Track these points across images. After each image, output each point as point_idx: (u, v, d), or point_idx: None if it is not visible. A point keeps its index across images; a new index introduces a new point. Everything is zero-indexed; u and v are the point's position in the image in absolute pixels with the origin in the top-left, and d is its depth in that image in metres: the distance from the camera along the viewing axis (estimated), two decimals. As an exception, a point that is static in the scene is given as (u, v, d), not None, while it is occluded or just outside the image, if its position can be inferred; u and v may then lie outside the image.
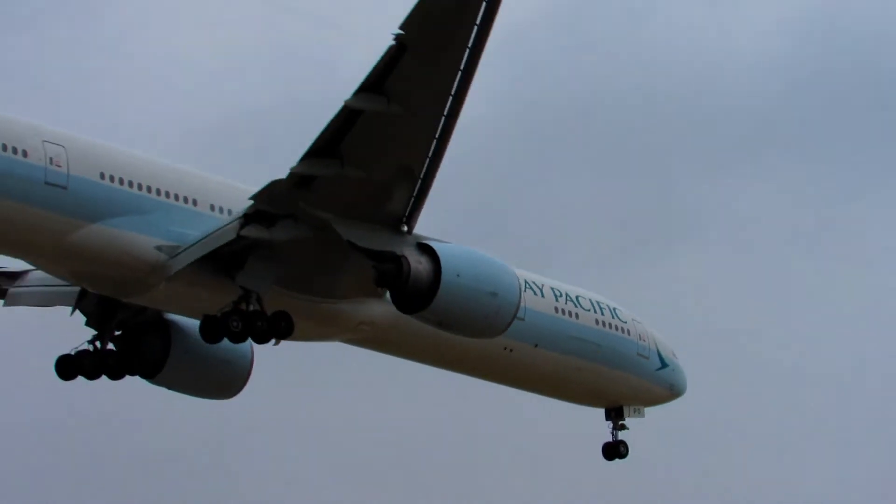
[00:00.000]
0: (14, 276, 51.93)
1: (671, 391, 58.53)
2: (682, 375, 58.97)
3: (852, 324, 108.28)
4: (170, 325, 51.56)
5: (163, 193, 46.41)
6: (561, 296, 54.40)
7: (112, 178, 45.41)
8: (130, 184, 45.74)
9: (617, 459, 57.93)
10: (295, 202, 44.69)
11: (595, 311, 55.39)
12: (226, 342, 48.73)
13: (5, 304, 51.92)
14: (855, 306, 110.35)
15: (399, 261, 45.47)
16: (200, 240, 45.40)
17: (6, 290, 51.95)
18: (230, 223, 45.06)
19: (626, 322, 56.35)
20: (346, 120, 42.39)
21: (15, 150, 43.89)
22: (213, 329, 46.28)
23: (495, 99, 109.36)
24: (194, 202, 46.91)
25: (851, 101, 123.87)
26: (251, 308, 46.11)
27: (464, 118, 42.66)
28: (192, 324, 50.30)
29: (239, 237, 44.77)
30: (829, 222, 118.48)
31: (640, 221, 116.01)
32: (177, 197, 46.66)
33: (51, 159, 44.29)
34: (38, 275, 50.88)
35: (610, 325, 55.87)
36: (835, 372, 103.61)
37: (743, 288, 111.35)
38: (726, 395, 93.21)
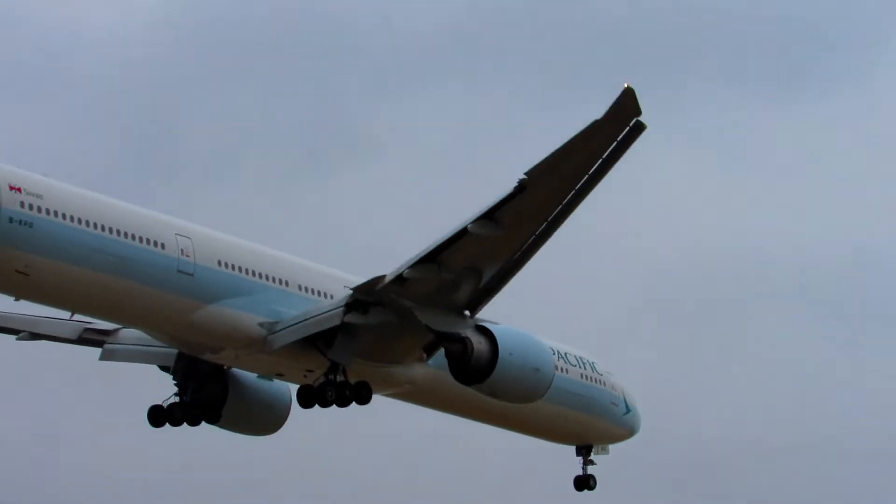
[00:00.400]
0: (105, 333, 59.35)
1: (631, 431, 68.88)
2: (639, 417, 69.43)
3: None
4: (227, 375, 59.78)
5: (262, 276, 54.74)
6: (555, 355, 64.25)
7: (226, 265, 53.61)
8: (239, 269, 54.05)
9: (586, 490, 68.10)
10: (388, 293, 53.57)
11: (580, 367, 65.13)
12: (271, 385, 57.92)
13: (101, 359, 59.48)
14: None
15: (464, 341, 54.83)
16: (302, 321, 53.97)
17: (99, 342, 59.47)
18: (333, 310, 53.77)
19: (602, 375, 66.21)
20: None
21: (155, 244, 51.85)
22: (310, 397, 55.08)
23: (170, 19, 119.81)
24: (286, 283, 55.36)
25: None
26: (339, 379, 54.94)
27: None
28: (244, 373, 59.01)
29: (343, 323, 53.56)
30: (491, 142, 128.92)
31: (314, 139, 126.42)
32: (273, 279, 55.07)
33: (182, 250, 52.34)
34: (132, 333, 58.52)
35: (591, 378, 65.61)
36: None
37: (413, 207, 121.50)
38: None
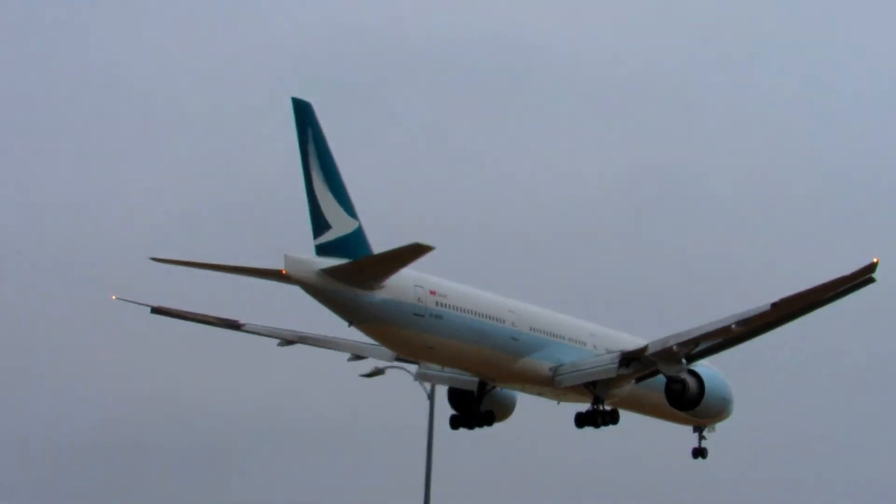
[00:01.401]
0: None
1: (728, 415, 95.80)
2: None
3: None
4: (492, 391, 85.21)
5: (549, 335, 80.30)
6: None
7: (533, 329, 79.04)
8: (539, 331, 79.46)
9: (700, 458, 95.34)
10: (647, 355, 79.62)
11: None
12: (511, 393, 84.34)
13: (416, 379, 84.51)
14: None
15: (683, 382, 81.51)
16: (585, 370, 79.75)
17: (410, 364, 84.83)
18: (609, 364, 79.40)
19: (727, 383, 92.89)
20: None
21: (498, 319, 76.99)
22: (584, 420, 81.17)
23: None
24: (562, 337, 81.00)
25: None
26: (604, 408, 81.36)
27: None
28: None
29: (617, 375, 79.60)
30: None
31: None
32: (555, 335, 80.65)
33: (512, 323, 77.68)
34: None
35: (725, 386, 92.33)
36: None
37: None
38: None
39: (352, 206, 71.51)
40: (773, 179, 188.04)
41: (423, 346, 74.33)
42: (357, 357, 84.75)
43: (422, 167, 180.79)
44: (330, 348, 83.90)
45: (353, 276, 70.00)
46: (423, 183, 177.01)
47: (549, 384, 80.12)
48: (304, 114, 70.29)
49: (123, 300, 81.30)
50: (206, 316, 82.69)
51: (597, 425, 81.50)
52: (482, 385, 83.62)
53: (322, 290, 70.08)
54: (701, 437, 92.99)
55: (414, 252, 66.60)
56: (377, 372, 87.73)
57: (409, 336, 73.04)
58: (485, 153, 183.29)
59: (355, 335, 77.70)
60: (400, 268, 69.77)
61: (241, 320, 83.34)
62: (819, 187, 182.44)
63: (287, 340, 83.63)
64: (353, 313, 71.45)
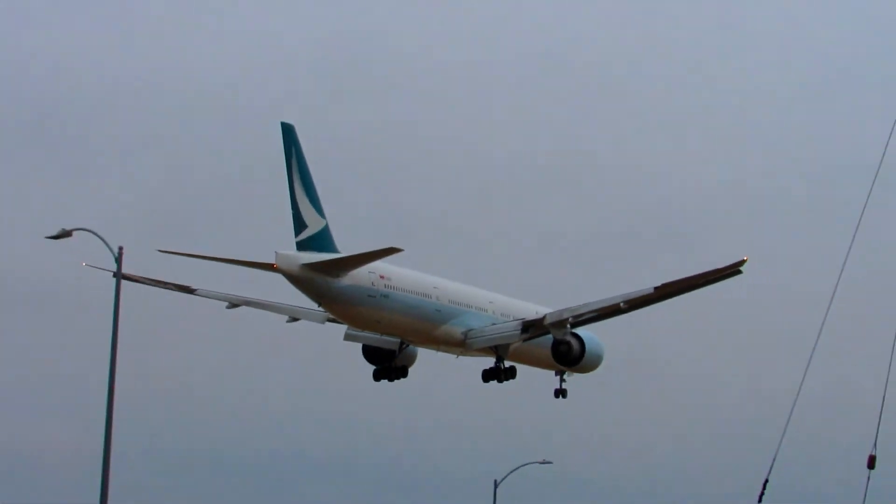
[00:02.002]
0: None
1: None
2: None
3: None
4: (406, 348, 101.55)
5: (462, 305, 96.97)
6: None
7: (451, 301, 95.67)
8: (454, 302, 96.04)
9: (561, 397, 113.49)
10: (544, 324, 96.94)
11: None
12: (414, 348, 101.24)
13: (345, 339, 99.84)
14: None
15: (569, 344, 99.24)
16: (494, 335, 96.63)
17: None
18: (514, 331, 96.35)
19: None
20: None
21: (426, 295, 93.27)
22: (490, 376, 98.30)
23: None
24: (470, 306, 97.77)
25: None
26: (504, 366, 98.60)
27: None
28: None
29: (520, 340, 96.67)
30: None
31: None
32: (466, 305, 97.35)
33: (437, 297, 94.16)
34: None
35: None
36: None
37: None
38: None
39: (321, 206, 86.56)
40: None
41: (372, 320, 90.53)
42: (293, 319, 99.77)
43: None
44: (271, 311, 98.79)
45: (329, 268, 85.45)
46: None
47: (462, 346, 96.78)
48: (288, 135, 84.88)
49: (91, 266, 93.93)
50: (164, 282, 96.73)
51: (500, 380, 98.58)
52: (402, 345, 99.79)
53: (302, 279, 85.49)
54: (562, 381, 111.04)
55: (386, 252, 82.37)
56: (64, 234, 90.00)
57: (363, 312, 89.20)
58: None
59: (292, 300, 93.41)
60: (367, 263, 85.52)
61: (193, 286, 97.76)
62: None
63: (234, 304, 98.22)
64: (323, 296, 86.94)
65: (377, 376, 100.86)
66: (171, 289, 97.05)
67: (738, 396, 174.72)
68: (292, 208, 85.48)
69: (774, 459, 56.10)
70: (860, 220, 57.94)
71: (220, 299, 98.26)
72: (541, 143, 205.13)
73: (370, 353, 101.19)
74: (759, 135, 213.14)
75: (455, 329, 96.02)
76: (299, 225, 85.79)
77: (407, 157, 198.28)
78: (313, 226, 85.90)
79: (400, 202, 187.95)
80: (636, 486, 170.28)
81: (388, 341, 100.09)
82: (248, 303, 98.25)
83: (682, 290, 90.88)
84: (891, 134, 58.16)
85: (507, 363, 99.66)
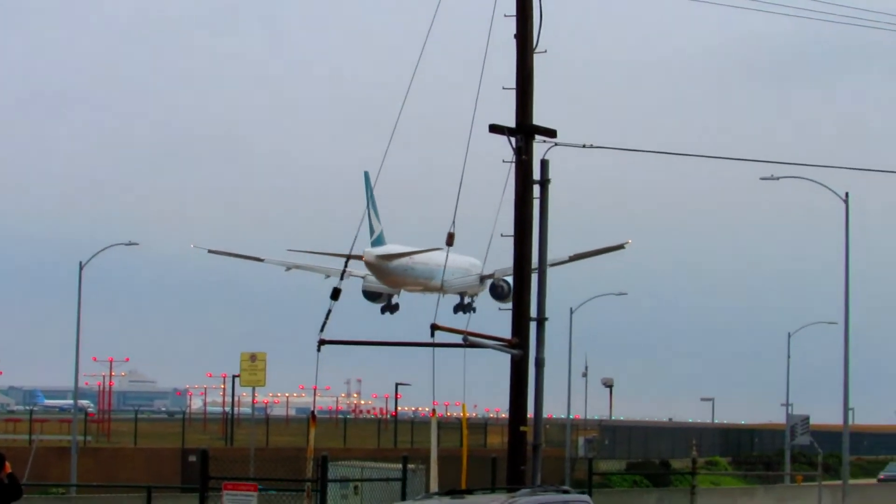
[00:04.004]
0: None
1: None
2: None
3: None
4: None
5: (437, 265, 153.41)
6: None
7: (437, 265, 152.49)
8: (433, 264, 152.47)
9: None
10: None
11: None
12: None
13: (362, 288, 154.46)
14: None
15: (507, 284, 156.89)
16: (461, 285, 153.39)
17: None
18: (475, 281, 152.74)
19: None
20: None
21: (425, 264, 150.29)
22: (459, 309, 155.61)
23: None
24: (439, 265, 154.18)
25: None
26: (468, 302, 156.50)
27: None
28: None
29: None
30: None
31: None
32: (438, 265, 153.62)
33: (432, 265, 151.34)
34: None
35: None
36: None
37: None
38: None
39: (379, 216, 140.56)
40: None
41: (399, 283, 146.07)
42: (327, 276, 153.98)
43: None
44: (315, 272, 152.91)
45: (390, 258, 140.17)
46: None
47: (440, 290, 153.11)
48: (367, 179, 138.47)
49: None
50: (238, 254, 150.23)
51: (465, 311, 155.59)
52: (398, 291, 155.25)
53: (376, 265, 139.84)
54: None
55: (431, 249, 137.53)
56: None
57: (396, 279, 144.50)
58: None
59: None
60: (410, 255, 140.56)
61: (263, 256, 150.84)
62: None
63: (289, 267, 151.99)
64: (382, 273, 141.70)
65: (383, 311, 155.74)
66: (248, 258, 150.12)
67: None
68: (370, 223, 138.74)
69: None
70: None
71: (283, 265, 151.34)
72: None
73: (370, 295, 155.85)
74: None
75: (436, 281, 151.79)
76: (372, 232, 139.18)
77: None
78: (376, 230, 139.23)
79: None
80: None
81: (391, 290, 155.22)
82: (299, 266, 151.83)
83: (584, 256, 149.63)
84: None
85: (467, 299, 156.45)
